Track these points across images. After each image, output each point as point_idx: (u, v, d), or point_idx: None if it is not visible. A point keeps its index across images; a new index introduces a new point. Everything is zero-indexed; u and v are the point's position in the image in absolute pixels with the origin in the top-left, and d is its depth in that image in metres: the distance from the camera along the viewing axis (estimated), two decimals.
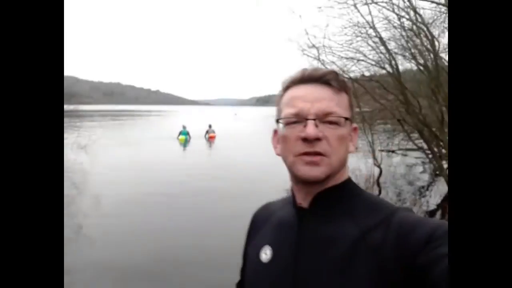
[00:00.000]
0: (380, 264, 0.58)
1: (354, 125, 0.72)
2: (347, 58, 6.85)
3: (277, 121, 0.71)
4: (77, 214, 6.20)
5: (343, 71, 6.80)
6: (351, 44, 6.70)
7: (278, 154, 0.73)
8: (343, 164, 0.69)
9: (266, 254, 0.71)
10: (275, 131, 0.75)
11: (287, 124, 0.68)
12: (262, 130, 21.00)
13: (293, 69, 0.74)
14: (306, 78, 0.69)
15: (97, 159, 12.26)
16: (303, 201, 0.71)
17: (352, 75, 7.03)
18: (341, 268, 0.60)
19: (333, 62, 6.89)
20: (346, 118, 0.67)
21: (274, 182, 7.67)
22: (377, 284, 0.57)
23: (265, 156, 13.30)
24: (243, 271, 0.84)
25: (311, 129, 0.63)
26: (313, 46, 6.69)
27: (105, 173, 10.01)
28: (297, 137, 0.65)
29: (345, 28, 6.53)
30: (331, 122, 0.66)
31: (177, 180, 9.10)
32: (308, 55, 6.99)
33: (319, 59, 6.73)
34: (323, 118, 0.65)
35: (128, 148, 15.40)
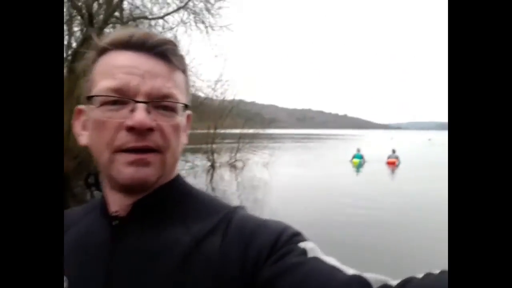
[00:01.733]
0: (217, 277, 0.48)
1: (188, 112, 0.59)
2: None
3: (88, 98, 0.51)
4: None
5: None
6: None
7: (83, 145, 0.55)
8: (177, 161, 0.57)
9: None
10: (79, 111, 0.56)
11: (104, 104, 0.49)
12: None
13: None
14: (134, 43, 0.51)
15: (275, 177, 14.05)
16: (120, 208, 0.54)
17: None
18: (171, 285, 0.48)
19: None
20: (185, 105, 0.55)
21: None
22: None
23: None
24: None
25: (142, 116, 0.48)
26: None
27: (279, 189, 11.43)
28: (119, 124, 0.49)
29: None
30: (166, 108, 0.51)
31: (338, 206, 9.17)
32: None
33: None
34: (157, 102, 0.50)
35: (301, 169, 16.71)
